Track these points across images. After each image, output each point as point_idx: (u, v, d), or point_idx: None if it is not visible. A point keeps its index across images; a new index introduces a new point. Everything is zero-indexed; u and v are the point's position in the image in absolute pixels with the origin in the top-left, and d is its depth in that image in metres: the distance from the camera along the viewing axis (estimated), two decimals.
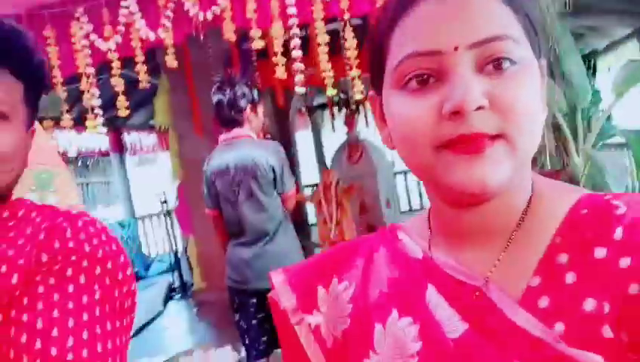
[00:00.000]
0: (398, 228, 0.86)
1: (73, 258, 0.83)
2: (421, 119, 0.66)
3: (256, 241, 2.65)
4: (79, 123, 4.37)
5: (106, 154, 8.89)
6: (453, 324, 0.69)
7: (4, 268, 0.81)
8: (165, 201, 7.14)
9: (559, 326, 0.61)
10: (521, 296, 0.65)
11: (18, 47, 0.88)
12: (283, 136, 6.27)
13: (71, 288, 0.80)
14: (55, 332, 0.76)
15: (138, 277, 8.57)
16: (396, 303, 0.75)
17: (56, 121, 4.10)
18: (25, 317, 0.76)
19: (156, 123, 6.80)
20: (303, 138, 9.96)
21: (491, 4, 0.68)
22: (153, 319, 6.19)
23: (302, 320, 0.79)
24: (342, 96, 6.89)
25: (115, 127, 8.28)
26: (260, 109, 2.73)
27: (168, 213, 7.29)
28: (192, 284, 6.68)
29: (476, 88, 0.63)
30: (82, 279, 0.82)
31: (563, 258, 0.65)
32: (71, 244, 0.84)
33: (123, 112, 3.57)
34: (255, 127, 2.72)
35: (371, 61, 0.77)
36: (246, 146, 2.63)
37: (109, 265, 0.87)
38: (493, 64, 0.65)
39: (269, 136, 3.45)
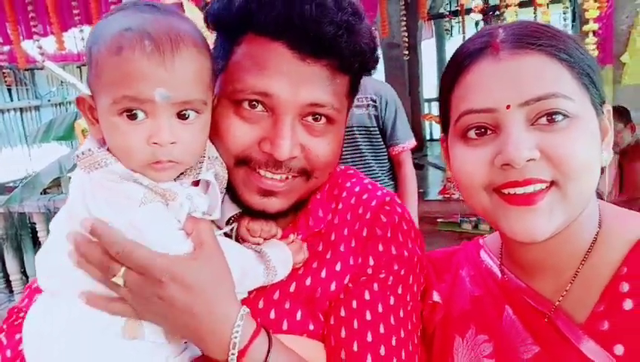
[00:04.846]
0: (481, 247, 0.93)
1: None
2: (476, 167, 0.73)
3: None
4: None
5: None
6: (526, 346, 0.77)
7: (338, 266, 0.83)
8: None
9: (619, 349, 0.68)
10: (585, 320, 0.72)
11: (346, 37, 0.74)
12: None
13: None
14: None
15: None
16: (475, 320, 0.85)
17: None
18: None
19: None
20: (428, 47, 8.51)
21: (543, 64, 0.69)
22: None
23: None
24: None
25: None
26: None
27: None
28: None
29: (526, 143, 0.68)
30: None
31: (625, 286, 0.70)
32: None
33: None
34: None
35: (440, 111, 0.83)
36: None
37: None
38: (546, 117, 0.68)
39: None
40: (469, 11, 6.31)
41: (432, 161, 7.68)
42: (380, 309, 0.79)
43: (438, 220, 4.78)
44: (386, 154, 2.66)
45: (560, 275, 0.77)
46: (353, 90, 0.83)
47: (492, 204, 0.73)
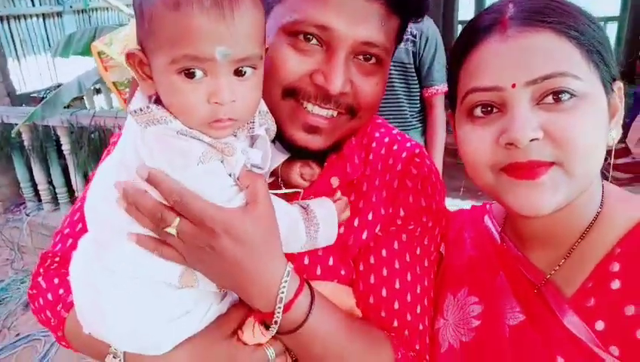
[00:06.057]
0: (487, 212, 0.95)
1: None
2: (481, 146, 0.73)
3: None
4: None
5: None
6: (513, 313, 0.80)
7: (370, 215, 0.88)
8: None
9: (600, 324, 0.71)
10: (572, 294, 0.75)
11: None
12: None
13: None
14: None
15: None
16: (469, 281, 0.87)
17: None
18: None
19: None
20: None
21: (552, 42, 0.68)
22: None
23: None
24: None
25: None
26: None
27: None
28: None
29: (531, 123, 0.67)
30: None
31: (615, 266, 0.72)
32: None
33: None
34: None
35: (448, 87, 0.82)
36: None
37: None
38: (552, 96, 0.67)
39: None
40: None
41: None
42: (408, 258, 0.84)
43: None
44: (418, 94, 2.54)
45: (556, 250, 0.79)
46: (401, 33, 0.84)
47: (497, 182, 0.73)
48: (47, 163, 4.41)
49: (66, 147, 4.11)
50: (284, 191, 0.83)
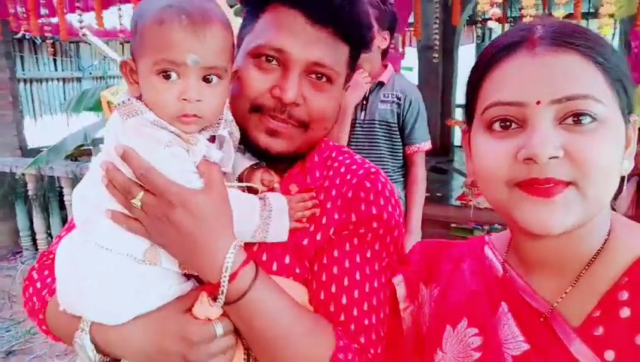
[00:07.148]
0: (486, 243, 0.94)
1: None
2: (498, 159, 0.73)
3: None
4: None
5: None
6: (516, 343, 0.79)
7: (324, 220, 0.95)
8: None
9: (609, 354, 0.68)
10: (580, 324, 0.72)
11: (348, 9, 0.91)
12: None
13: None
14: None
15: None
16: (468, 313, 0.86)
17: None
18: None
19: None
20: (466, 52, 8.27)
21: (579, 64, 0.70)
22: None
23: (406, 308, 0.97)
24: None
25: None
26: None
27: None
28: None
29: (552, 141, 0.68)
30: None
31: (624, 295, 0.70)
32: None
33: None
34: None
35: (466, 102, 0.83)
36: None
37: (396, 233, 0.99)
38: (573, 118, 0.69)
39: None
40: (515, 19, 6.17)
41: (457, 168, 7.60)
42: (358, 259, 0.92)
43: (452, 225, 4.76)
44: (401, 152, 2.73)
45: (562, 277, 0.77)
46: (353, 61, 0.99)
47: (509, 197, 0.72)
48: (48, 212, 4.54)
49: (67, 197, 4.25)
50: (243, 184, 0.94)
